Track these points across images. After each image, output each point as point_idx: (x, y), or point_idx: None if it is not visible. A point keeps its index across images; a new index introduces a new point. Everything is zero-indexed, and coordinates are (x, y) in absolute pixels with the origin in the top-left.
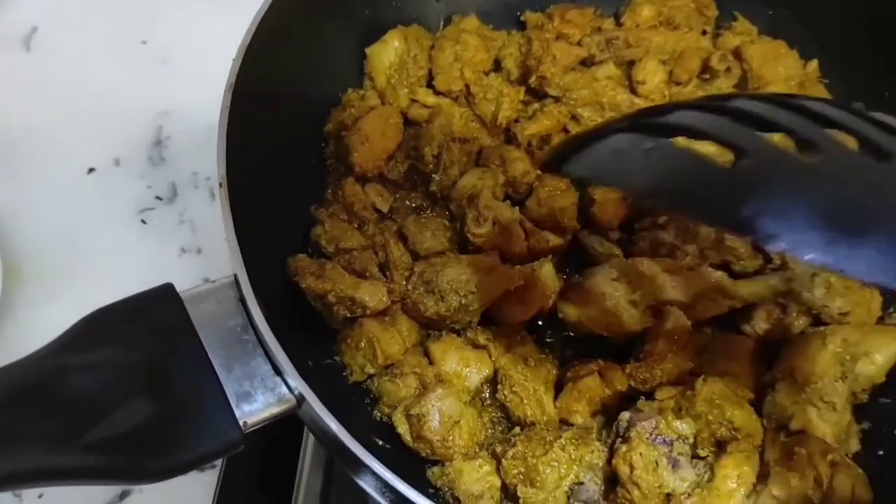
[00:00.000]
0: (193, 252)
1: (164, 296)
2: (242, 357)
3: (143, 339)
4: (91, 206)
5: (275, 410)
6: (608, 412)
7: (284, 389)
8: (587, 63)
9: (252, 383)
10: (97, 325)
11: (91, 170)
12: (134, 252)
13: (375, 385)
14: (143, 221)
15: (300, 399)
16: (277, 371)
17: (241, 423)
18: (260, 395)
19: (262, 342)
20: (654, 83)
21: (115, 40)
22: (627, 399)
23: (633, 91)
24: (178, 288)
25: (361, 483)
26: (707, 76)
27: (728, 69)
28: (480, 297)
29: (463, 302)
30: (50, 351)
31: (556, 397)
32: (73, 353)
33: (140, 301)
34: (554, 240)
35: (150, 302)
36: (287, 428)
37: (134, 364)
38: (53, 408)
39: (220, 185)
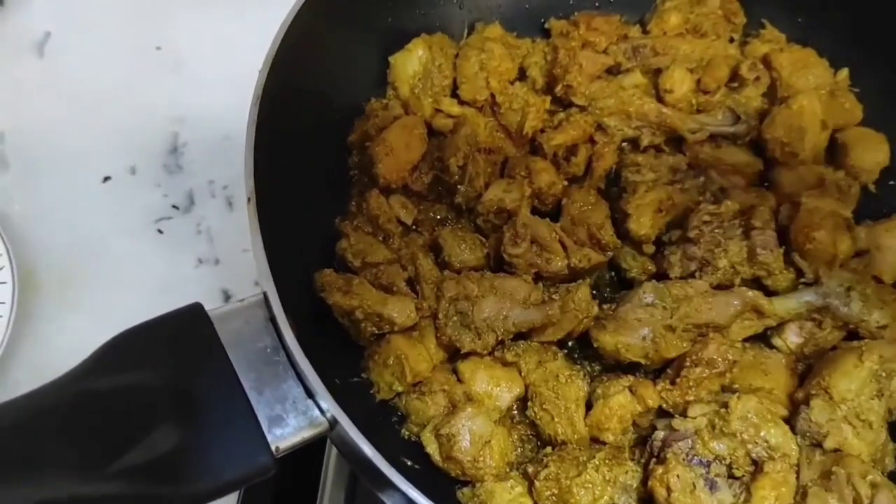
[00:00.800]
0: (211, 263)
1: (193, 316)
2: (273, 379)
3: (171, 361)
4: (106, 216)
5: (307, 434)
6: (639, 429)
7: (316, 412)
8: (613, 71)
9: (283, 406)
10: (124, 348)
11: (106, 178)
12: (150, 263)
13: (403, 403)
14: (160, 231)
15: (333, 422)
16: (309, 393)
17: (272, 447)
18: (292, 419)
19: (293, 364)
20: (681, 91)
21: (129, 46)
22: (659, 414)
23: (661, 100)
24: (197, 301)
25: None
26: (735, 84)
27: (757, 78)
28: (517, 330)
29: (500, 338)
30: (76, 375)
31: (586, 414)
32: (99, 376)
33: (168, 322)
34: (595, 257)
35: (178, 322)
36: (309, 446)
37: (162, 388)
38: (82, 434)
39: (249, 200)
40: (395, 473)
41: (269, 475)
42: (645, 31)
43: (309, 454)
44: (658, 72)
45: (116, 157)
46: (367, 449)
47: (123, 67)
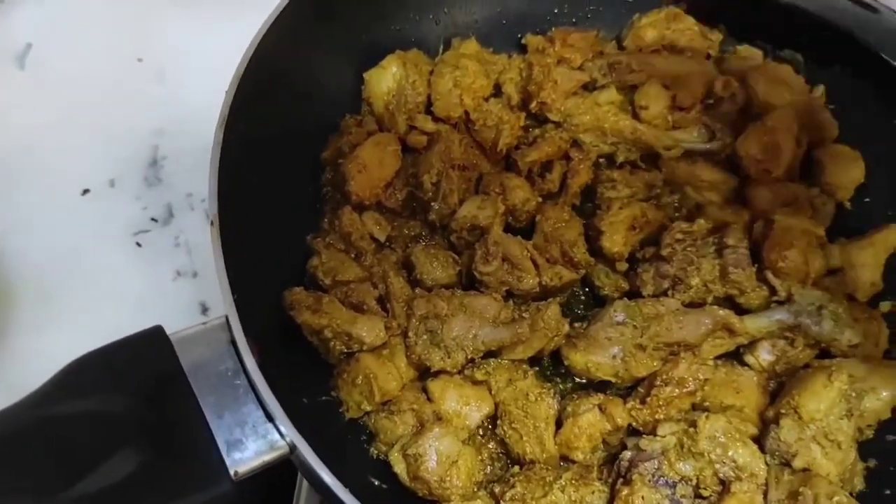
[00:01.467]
0: (189, 276)
1: (153, 339)
2: (233, 403)
3: (130, 385)
4: (85, 229)
5: (266, 458)
6: (609, 447)
7: (276, 436)
8: (589, 88)
9: (243, 430)
10: (83, 372)
11: (86, 191)
12: (129, 276)
13: (372, 422)
14: (139, 244)
15: (292, 446)
16: (269, 417)
17: (231, 471)
18: (251, 443)
19: (253, 387)
20: (657, 108)
21: (110, 58)
22: (630, 433)
23: (636, 116)
24: (173, 317)
25: None
26: (711, 101)
27: (732, 94)
28: (486, 348)
29: (469, 356)
30: (34, 400)
31: (556, 432)
32: (58, 401)
33: (128, 345)
34: (567, 275)
35: (138, 346)
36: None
37: (121, 412)
38: (38, 460)
39: (212, 223)
40: (352, 499)
41: (228, 500)
42: (621, 47)
43: (283, 474)
44: (634, 88)
45: (96, 170)
46: (326, 475)
47: (105, 79)
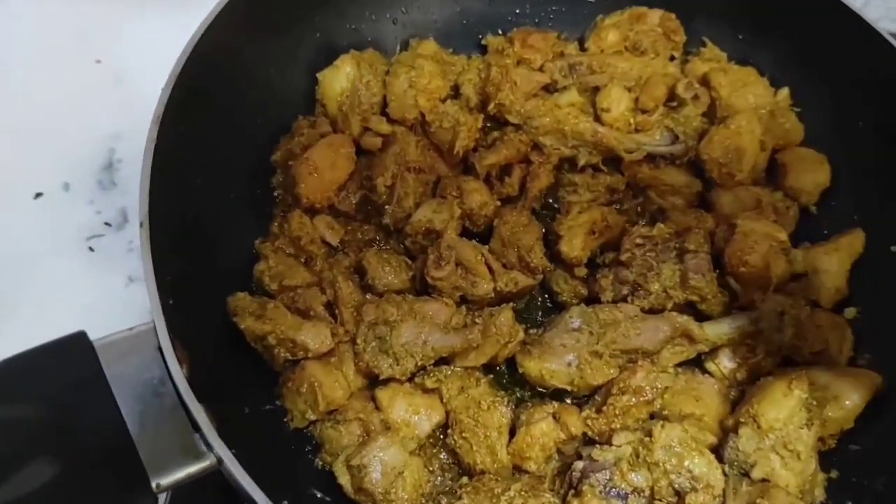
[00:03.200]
0: (141, 281)
1: (76, 345)
2: (159, 412)
3: (49, 393)
4: (37, 233)
5: (191, 470)
6: (564, 457)
7: (203, 448)
8: (549, 89)
9: (168, 441)
10: (0, 379)
11: (38, 194)
12: (80, 281)
13: (318, 431)
14: (91, 249)
15: (219, 458)
16: (196, 428)
17: (153, 484)
18: (176, 454)
19: (180, 396)
20: (618, 111)
21: (68, 60)
22: (585, 442)
23: (598, 119)
24: (123, 324)
25: None
26: (674, 104)
27: (695, 97)
28: (436, 355)
29: (420, 364)
30: None
31: (509, 441)
32: None
33: (49, 351)
34: (523, 281)
35: (59, 352)
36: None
37: (39, 420)
38: None
39: (141, 224)
40: None
41: None
42: (583, 49)
43: None
44: (595, 90)
45: (50, 173)
46: (253, 490)
47: (62, 82)
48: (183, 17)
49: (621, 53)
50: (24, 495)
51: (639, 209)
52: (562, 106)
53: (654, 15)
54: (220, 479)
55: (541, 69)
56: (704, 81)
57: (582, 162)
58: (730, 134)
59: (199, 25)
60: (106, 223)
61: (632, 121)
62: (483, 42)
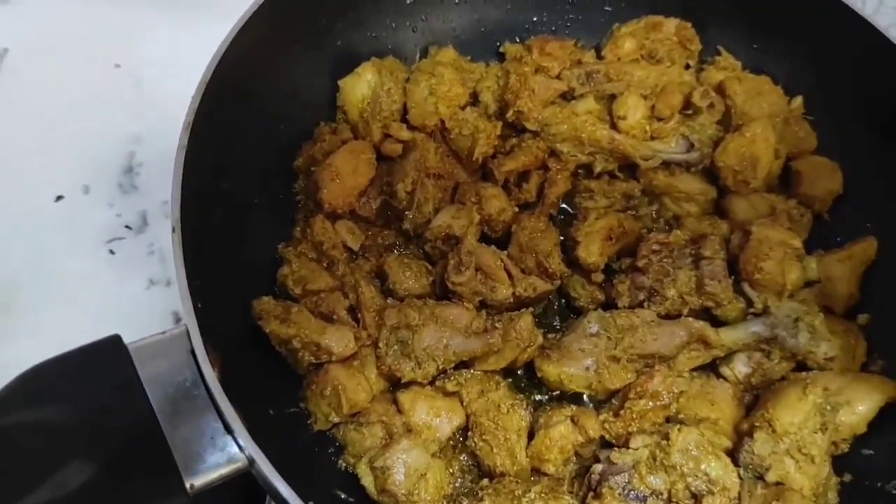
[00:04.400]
0: (162, 284)
1: (110, 348)
2: (191, 414)
3: (85, 395)
4: (58, 235)
5: (224, 471)
6: (582, 459)
7: (235, 449)
8: (567, 97)
9: (201, 442)
10: (37, 381)
11: (59, 197)
12: (101, 284)
13: (341, 433)
14: (112, 252)
15: (251, 459)
16: (228, 430)
17: (187, 485)
18: (209, 456)
19: (212, 399)
20: (635, 118)
21: (88, 63)
22: (603, 445)
23: (614, 126)
24: (144, 326)
25: None
26: (690, 112)
27: (711, 105)
28: (457, 359)
29: (441, 367)
30: None
31: (528, 444)
32: (9, 411)
33: (84, 354)
34: (542, 286)
35: (94, 355)
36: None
37: (76, 423)
38: None
39: (173, 230)
40: None
41: None
42: (599, 57)
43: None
44: (612, 98)
45: (70, 176)
46: (284, 489)
47: (82, 85)
48: (201, 21)
49: (637, 62)
50: (61, 497)
51: (654, 216)
52: (579, 113)
53: (670, 24)
54: (240, 481)
55: (558, 77)
56: (720, 90)
57: (598, 169)
58: (745, 142)
59: (227, 33)
60: (126, 226)
61: (648, 128)
62: (501, 50)
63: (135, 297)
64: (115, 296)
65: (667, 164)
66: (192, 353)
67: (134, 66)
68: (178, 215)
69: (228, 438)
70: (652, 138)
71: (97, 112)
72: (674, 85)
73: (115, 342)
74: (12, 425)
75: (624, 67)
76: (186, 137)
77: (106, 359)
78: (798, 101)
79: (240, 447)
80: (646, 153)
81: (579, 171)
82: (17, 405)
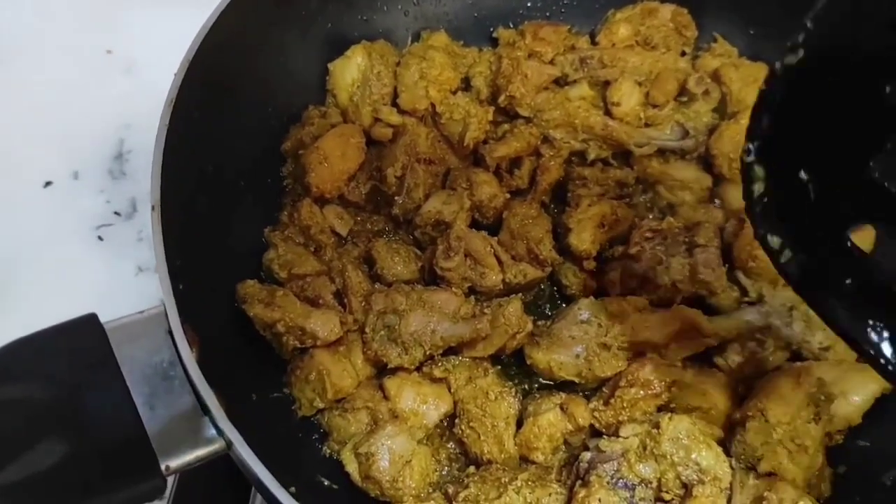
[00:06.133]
0: (150, 271)
1: (86, 327)
2: (167, 395)
3: (60, 373)
4: (46, 221)
5: (200, 453)
6: (571, 448)
7: (212, 431)
8: (560, 83)
9: (177, 424)
10: (11, 359)
11: (48, 183)
12: (90, 270)
13: (325, 419)
14: (100, 238)
15: (229, 442)
16: (205, 411)
17: (162, 466)
18: (185, 437)
19: (189, 380)
20: (629, 105)
21: (79, 49)
22: (592, 434)
23: (608, 112)
24: (130, 310)
25: None
26: (685, 99)
27: (706, 92)
28: (445, 345)
29: (428, 353)
30: None
31: (517, 432)
32: None
33: (59, 332)
34: (532, 273)
35: (70, 333)
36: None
37: (49, 401)
38: None
39: (153, 208)
40: (289, 499)
41: (161, 496)
42: (594, 43)
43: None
44: (606, 84)
45: (60, 162)
46: (262, 473)
47: (72, 71)
48: (193, 6)
49: (632, 48)
50: (33, 474)
51: (648, 204)
52: (572, 99)
53: (666, 10)
54: (227, 465)
55: (552, 62)
56: (715, 77)
57: (592, 156)
58: (740, 129)
59: (212, 12)
60: (115, 212)
61: (642, 115)
62: (494, 35)
63: (123, 283)
64: (104, 282)
65: (661, 152)
66: (170, 332)
67: (125, 52)
68: (157, 195)
69: (206, 420)
70: (646, 125)
71: (87, 98)
72: (669, 72)
73: (90, 320)
74: None
75: (618, 54)
76: (169, 115)
77: (81, 337)
78: None
79: (217, 429)
80: (640, 140)
81: (573, 158)
82: None
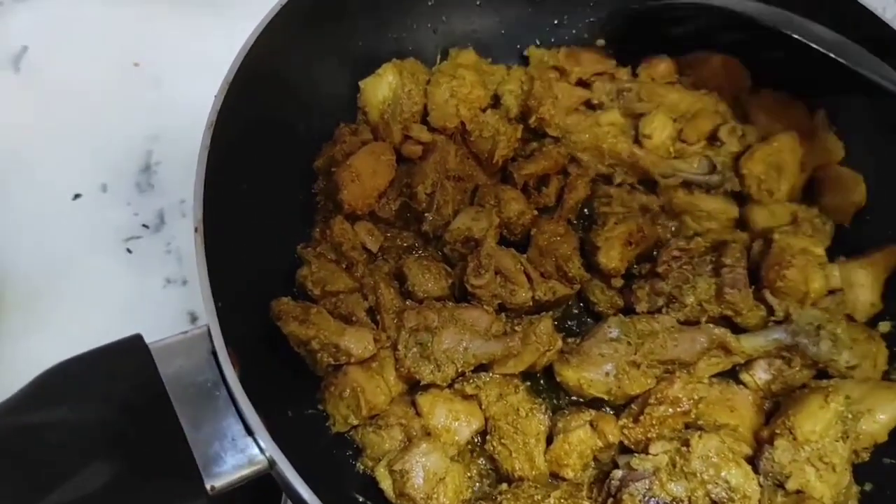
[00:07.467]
0: (179, 283)
1: (132, 348)
2: (213, 415)
3: (106, 395)
4: (76, 234)
5: (245, 472)
6: (600, 464)
7: (255, 451)
8: (592, 105)
9: (222, 444)
10: (58, 380)
11: (77, 195)
12: (118, 282)
13: (359, 436)
14: (129, 250)
15: (272, 461)
16: (249, 431)
17: (207, 486)
18: (229, 457)
19: (233, 400)
20: (660, 138)
21: (107, 62)
22: (621, 450)
23: (637, 141)
24: (160, 325)
25: None
26: (718, 143)
27: (742, 135)
28: (477, 362)
29: (460, 370)
30: (6, 408)
31: (547, 448)
32: (31, 410)
33: (105, 354)
34: (561, 290)
35: (115, 354)
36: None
37: (96, 422)
38: (8, 470)
39: (196, 229)
40: None
41: None
42: (634, 74)
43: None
44: (640, 115)
45: (88, 175)
46: (305, 492)
47: (100, 83)
48: (220, 20)
49: (673, 84)
50: (81, 497)
51: (672, 229)
52: (602, 124)
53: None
54: (254, 483)
55: (584, 84)
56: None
57: (618, 180)
58: (772, 151)
59: (250, 33)
60: (143, 225)
61: (671, 149)
62: (525, 53)
63: (151, 295)
64: (132, 294)
65: (687, 184)
66: (214, 353)
67: (153, 65)
68: (200, 215)
69: (249, 440)
70: (674, 157)
71: (115, 111)
72: (707, 112)
73: (136, 342)
74: (33, 425)
75: (658, 89)
76: (209, 137)
77: (127, 358)
78: (820, 114)
79: (260, 449)
80: (665, 171)
81: (598, 177)
82: (38, 404)
